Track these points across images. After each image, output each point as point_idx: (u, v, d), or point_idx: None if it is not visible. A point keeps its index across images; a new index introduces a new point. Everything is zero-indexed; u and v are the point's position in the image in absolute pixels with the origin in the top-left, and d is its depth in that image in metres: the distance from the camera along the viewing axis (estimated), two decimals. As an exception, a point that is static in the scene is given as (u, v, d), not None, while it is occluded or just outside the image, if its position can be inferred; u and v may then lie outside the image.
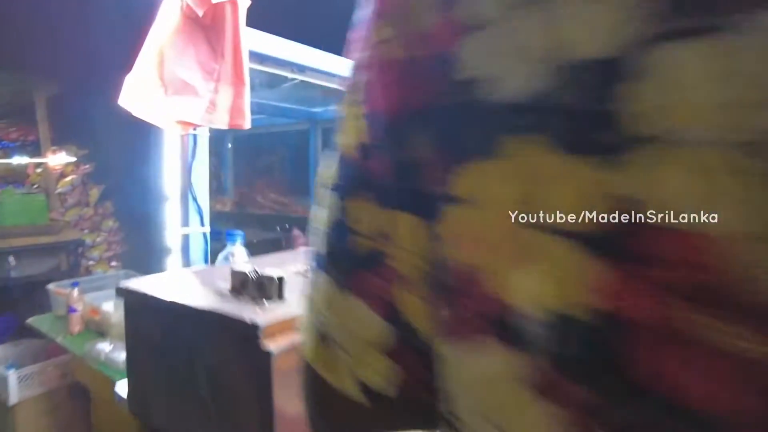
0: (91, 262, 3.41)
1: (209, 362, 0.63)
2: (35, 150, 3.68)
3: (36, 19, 3.07)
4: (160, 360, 0.71)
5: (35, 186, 3.55)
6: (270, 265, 0.72)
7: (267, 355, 0.57)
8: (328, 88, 1.78)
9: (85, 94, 3.49)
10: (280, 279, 0.66)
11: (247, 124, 1.10)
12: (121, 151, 3.34)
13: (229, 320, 0.60)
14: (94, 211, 3.57)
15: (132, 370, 0.76)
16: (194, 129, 1.15)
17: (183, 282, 0.80)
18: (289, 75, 1.37)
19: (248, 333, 0.58)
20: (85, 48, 3.11)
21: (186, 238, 1.17)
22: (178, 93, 0.98)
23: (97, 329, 1.95)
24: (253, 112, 1.18)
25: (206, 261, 1.21)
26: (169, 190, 1.19)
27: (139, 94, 0.98)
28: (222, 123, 1.07)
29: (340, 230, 0.33)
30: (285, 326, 0.61)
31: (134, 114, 1.00)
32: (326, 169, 0.36)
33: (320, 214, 0.35)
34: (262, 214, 3.12)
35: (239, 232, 1.07)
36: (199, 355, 0.64)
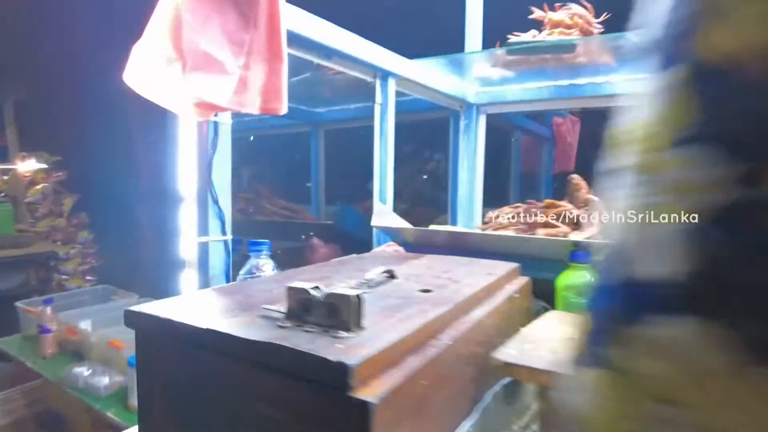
0: (64, 277, 3.21)
1: (267, 417, 0.46)
2: (2, 156, 3.54)
3: (2, 20, 2.91)
4: (189, 411, 0.53)
5: (1, 194, 3.34)
6: (313, 282, 0.55)
7: (364, 408, 0.40)
8: (346, 82, 1.64)
9: (57, 100, 3.33)
10: (358, 299, 0.49)
11: (283, 109, 0.93)
12: (100, 158, 3.16)
13: (301, 358, 0.43)
14: (68, 221, 3.40)
15: (147, 421, 0.57)
16: (215, 115, 0.97)
17: (214, 304, 0.62)
18: (315, 60, 1.22)
19: (333, 377, 0.41)
20: (57, 49, 2.95)
21: (204, 248, 0.97)
22: (200, 69, 0.80)
23: (74, 350, 1.81)
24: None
25: (228, 277, 1.02)
26: (184, 191, 0.99)
27: (148, 68, 0.79)
28: (253, 107, 0.88)
29: (741, 237, 0.15)
30: (379, 365, 0.44)
31: (141, 94, 0.81)
32: (635, 120, 0.19)
33: (627, 207, 0.18)
34: (271, 222, 2.93)
35: (265, 242, 0.90)
36: (250, 407, 0.47)
